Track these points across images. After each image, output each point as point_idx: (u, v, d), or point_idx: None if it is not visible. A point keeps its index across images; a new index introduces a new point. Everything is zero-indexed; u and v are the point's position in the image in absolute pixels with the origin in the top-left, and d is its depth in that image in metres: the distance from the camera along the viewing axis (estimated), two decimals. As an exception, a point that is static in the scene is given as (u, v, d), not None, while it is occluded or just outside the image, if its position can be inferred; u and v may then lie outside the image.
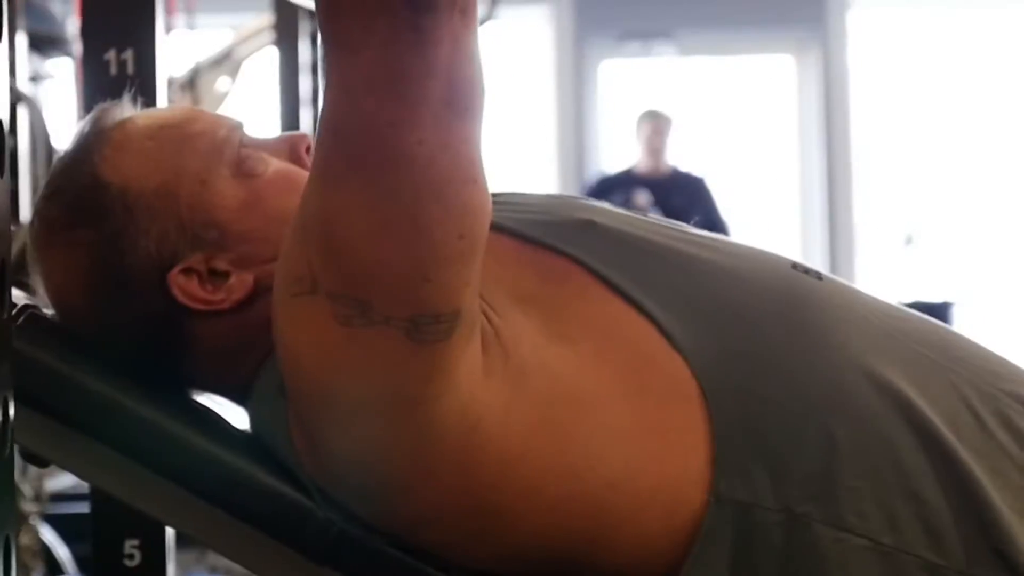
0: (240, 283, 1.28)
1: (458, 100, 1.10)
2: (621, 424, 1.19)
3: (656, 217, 1.38)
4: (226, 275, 1.28)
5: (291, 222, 1.18)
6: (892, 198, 7.36)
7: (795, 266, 1.30)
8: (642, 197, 6.28)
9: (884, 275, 6.88)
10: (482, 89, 1.12)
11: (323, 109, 1.13)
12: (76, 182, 1.31)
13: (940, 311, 5.75)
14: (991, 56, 7.39)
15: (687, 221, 1.38)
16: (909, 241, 7.12)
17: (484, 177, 1.14)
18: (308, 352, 1.17)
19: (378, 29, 1.07)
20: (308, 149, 1.35)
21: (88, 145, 1.32)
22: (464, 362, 1.16)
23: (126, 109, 1.35)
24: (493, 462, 1.18)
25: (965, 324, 5.86)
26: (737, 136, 7.48)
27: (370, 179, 1.11)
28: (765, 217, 7.33)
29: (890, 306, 1.31)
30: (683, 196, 6.32)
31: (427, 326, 1.13)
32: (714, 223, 6.12)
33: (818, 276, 1.30)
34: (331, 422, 1.19)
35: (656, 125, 6.56)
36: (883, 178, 7.38)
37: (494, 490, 1.19)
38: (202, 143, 1.31)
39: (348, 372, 1.15)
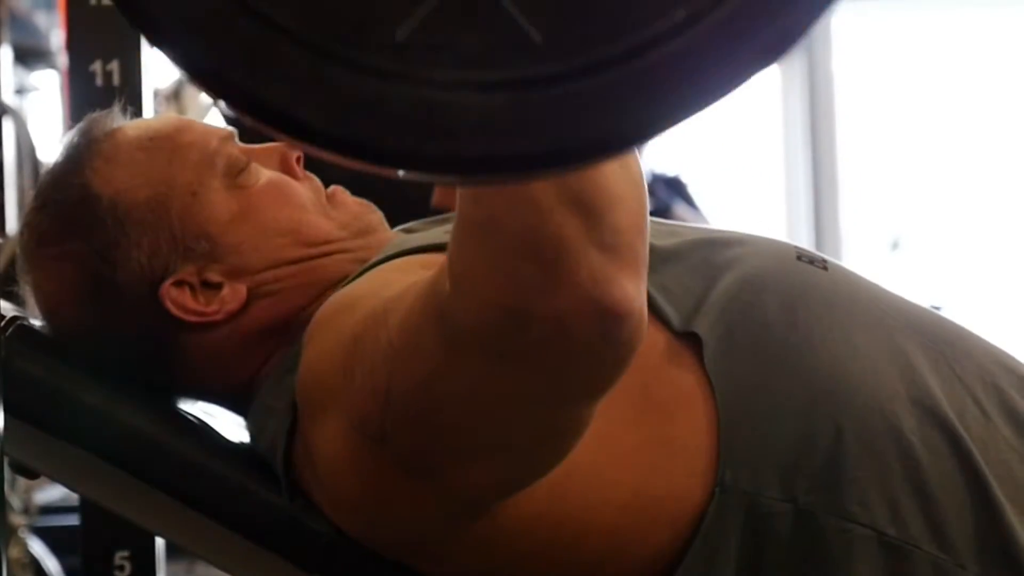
0: (233, 294, 1.28)
1: (606, 389, 1.05)
2: (629, 447, 1.18)
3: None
4: (219, 286, 1.28)
5: (356, 357, 1.13)
6: (878, 203, 7.37)
7: (800, 256, 1.29)
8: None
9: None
10: None
11: (451, 379, 1.04)
12: (67, 194, 1.30)
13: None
14: (978, 61, 7.41)
15: (670, 220, 1.38)
16: (895, 246, 7.13)
17: None
18: (355, 480, 1.16)
19: (556, 388, 1.02)
20: (299, 159, 1.35)
21: (78, 156, 1.32)
22: None
23: (116, 119, 1.35)
24: (514, 526, 1.18)
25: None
26: (722, 141, 7.49)
27: (499, 440, 1.08)
28: (751, 222, 7.34)
29: (894, 296, 1.31)
30: (664, 197, 6.32)
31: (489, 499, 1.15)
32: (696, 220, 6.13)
33: (823, 265, 1.29)
34: (360, 523, 1.20)
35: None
36: (869, 183, 7.39)
37: (510, 546, 1.19)
38: (193, 154, 1.31)
39: (394, 508, 1.16)
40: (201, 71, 0.65)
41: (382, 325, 1.09)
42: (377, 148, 0.65)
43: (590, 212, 0.93)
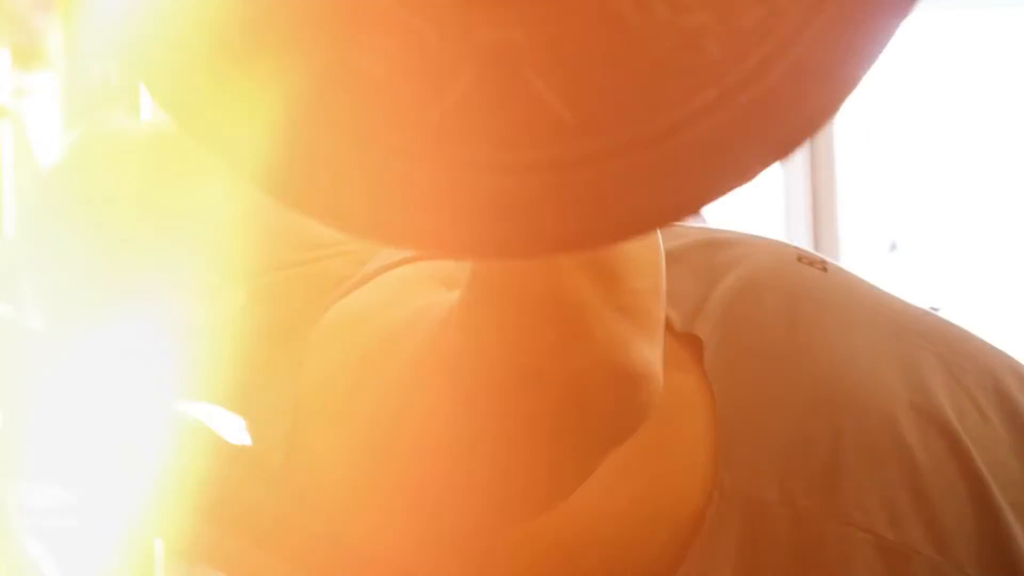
0: (232, 297, 1.29)
1: (615, 448, 1.05)
2: (629, 456, 1.17)
3: None
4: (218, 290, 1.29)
5: (362, 381, 1.12)
6: (876, 205, 7.38)
7: (800, 258, 1.29)
8: None
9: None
10: None
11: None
12: (68, 195, 1.31)
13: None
14: (976, 62, 7.41)
15: None
16: (893, 248, 7.13)
17: None
18: (353, 496, 1.15)
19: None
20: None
21: (80, 157, 1.32)
22: None
23: (119, 119, 1.35)
24: (510, 543, 1.17)
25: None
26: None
27: (501, 484, 1.06)
28: (749, 223, 7.33)
29: (893, 298, 1.31)
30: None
31: None
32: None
33: (823, 267, 1.29)
34: (356, 533, 1.20)
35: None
36: (867, 184, 7.40)
37: (507, 561, 1.19)
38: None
39: (389, 527, 1.15)
40: (236, 160, 0.64)
41: (392, 355, 1.08)
42: (410, 232, 0.65)
43: (608, 275, 0.93)
